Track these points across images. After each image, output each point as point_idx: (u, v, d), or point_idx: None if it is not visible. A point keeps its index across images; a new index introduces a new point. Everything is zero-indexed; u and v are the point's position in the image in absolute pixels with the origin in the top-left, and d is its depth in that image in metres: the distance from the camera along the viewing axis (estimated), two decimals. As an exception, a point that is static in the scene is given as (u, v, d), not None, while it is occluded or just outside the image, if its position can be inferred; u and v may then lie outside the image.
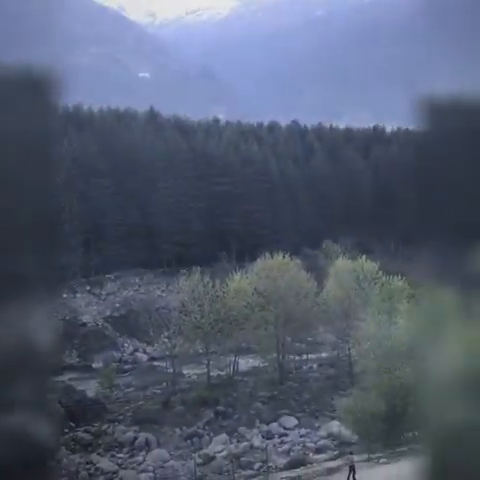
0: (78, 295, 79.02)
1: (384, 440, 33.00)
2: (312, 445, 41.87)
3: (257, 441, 43.26)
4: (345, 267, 57.54)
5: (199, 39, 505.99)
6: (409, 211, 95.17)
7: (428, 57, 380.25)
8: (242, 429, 45.30)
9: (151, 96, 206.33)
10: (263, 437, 44.10)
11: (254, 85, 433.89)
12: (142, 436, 44.29)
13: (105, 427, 46.14)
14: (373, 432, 33.48)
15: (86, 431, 44.96)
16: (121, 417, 48.16)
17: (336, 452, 37.53)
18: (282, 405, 49.08)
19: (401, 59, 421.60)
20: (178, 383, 54.46)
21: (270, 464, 37.57)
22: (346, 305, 54.39)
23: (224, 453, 41.31)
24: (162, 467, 39.92)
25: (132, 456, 42.30)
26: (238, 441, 43.65)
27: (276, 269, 56.79)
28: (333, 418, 44.16)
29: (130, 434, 44.86)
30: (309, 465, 34.21)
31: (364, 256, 58.89)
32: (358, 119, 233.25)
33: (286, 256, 58.93)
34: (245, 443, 43.07)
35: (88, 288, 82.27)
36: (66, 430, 43.12)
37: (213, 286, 55.21)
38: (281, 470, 35.50)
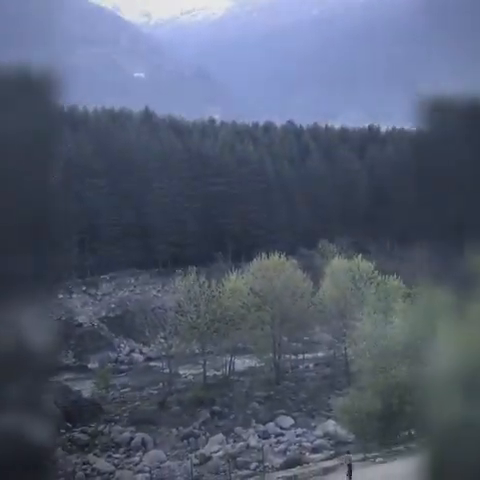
0: (74, 295, 78.88)
1: (380, 439, 33.04)
2: (308, 445, 41.93)
3: (253, 441, 43.28)
4: (341, 267, 57.58)
5: (194, 39, 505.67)
6: (405, 211, 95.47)
7: (426, 56, 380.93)
8: (238, 429, 45.31)
9: (146, 96, 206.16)
10: (259, 437, 44.12)
11: (249, 85, 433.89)
12: (138, 436, 44.27)
13: (101, 427, 46.10)
14: (369, 431, 33.52)
15: (82, 432, 44.92)
16: (117, 417, 48.13)
17: (332, 452, 37.58)
18: (278, 405, 49.11)
19: (399, 59, 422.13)
20: (174, 383, 54.44)
21: (266, 464, 37.60)
22: (342, 305, 54.46)
23: (220, 453, 41.32)
24: (159, 467, 39.91)
25: (129, 456, 42.27)
26: (234, 441, 43.66)
27: (272, 269, 56.81)
28: (329, 417, 44.22)
29: (126, 434, 44.83)
30: (305, 465, 34.23)
31: (360, 256, 58.92)
32: (353, 119, 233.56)
33: (282, 256, 58.94)
34: (241, 443, 43.09)
35: (84, 288, 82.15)
36: (62, 431, 43.05)
37: (209, 286, 55.18)
38: (277, 470, 35.54)
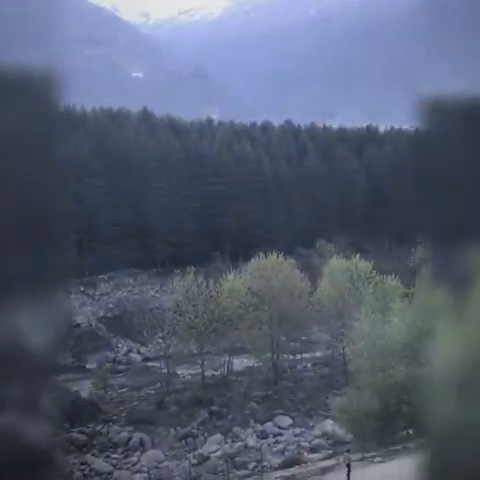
0: (72, 296, 78.78)
1: (378, 439, 33.05)
2: (306, 444, 41.93)
3: (252, 441, 43.28)
4: (339, 266, 57.60)
5: (192, 39, 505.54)
6: (403, 210, 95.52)
7: (424, 56, 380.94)
8: (236, 429, 45.31)
9: (144, 96, 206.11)
10: (258, 437, 44.13)
11: (247, 85, 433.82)
12: (136, 436, 44.24)
13: (99, 428, 46.07)
14: (367, 431, 33.53)
15: (80, 432, 44.86)
16: (115, 418, 48.09)
17: (330, 451, 37.59)
18: (276, 405, 49.12)
19: (397, 58, 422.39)
20: (172, 383, 54.42)
21: (265, 464, 37.59)
22: (340, 304, 54.48)
23: (219, 453, 41.30)
24: (157, 467, 39.90)
25: (127, 456, 42.25)
26: (233, 441, 43.66)
27: (270, 269, 56.80)
28: (327, 417, 44.23)
29: (124, 434, 44.81)
30: (304, 464, 34.23)
31: (358, 255, 58.97)
32: (351, 119, 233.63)
33: (280, 256, 58.94)
34: (240, 443, 43.08)
35: (82, 289, 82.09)
36: (61, 431, 43.01)
37: (207, 286, 55.17)
38: (276, 469, 35.54)
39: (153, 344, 64.18)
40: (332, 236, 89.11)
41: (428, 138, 2.69)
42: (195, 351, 55.62)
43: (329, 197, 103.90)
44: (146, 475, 38.74)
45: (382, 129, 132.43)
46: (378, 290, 48.82)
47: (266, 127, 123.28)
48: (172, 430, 45.44)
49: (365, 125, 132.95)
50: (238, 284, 57.35)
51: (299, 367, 60.26)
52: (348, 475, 27.31)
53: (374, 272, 55.21)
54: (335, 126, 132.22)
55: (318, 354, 62.11)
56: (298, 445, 41.98)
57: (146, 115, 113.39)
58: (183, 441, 44.13)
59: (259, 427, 45.60)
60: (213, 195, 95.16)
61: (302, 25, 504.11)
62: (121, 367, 67.40)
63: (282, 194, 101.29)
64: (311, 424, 45.52)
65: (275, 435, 44.42)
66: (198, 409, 47.95)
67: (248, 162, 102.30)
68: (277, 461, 38.41)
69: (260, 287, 55.86)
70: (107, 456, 42.33)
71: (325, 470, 30.53)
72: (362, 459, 30.25)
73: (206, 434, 44.84)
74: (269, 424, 45.94)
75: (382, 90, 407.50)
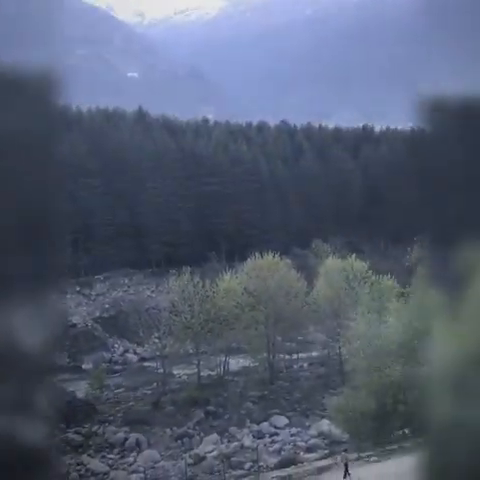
0: (68, 296, 78.66)
1: (374, 438, 33.09)
2: (303, 444, 41.94)
3: (248, 441, 43.27)
4: (335, 266, 57.65)
5: (188, 39, 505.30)
6: (399, 210, 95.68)
7: (421, 56, 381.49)
8: (233, 429, 45.30)
9: (140, 96, 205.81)
10: (254, 437, 44.12)
11: (243, 85, 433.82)
12: (133, 437, 44.20)
13: (95, 428, 46.00)
14: (363, 430, 33.56)
15: (76, 432, 44.78)
16: (111, 418, 48.02)
17: (327, 451, 37.61)
18: (273, 405, 49.12)
19: (393, 58, 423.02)
20: (168, 383, 54.38)
21: (261, 464, 37.61)
22: (336, 304, 54.52)
23: (215, 453, 41.30)
24: (153, 468, 39.87)
25: (123, 457, 42.20)
26: (229, 441, 43.65)
27: (266, 269, 56.82)
28: (323, 417, 44.24)
29: (121, 435, 44.75)
30: (300, 464, 34.24)
31: (354, 255, 59.02)
32: (347, 119, 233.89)
33: (276, 256, 58.97)
34: (236, 443, 43.07)
35: (77, 289, 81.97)
36: (57, 431, 42.93)
37: (203, 286, 55.15)
38: (272, 469, 35.53)
39: (149, 344, 64.12)
40: (328, 236, 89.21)
41: (428, 138, 2.69)
42: (191, 351, 55.59)
43: (325, 197, 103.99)
44: (142, 475, 38.70)
45: (378, 129, 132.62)
46: (374, 290, 48.90)
47: (262, 127, 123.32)
48: (168, 430, 45.41)
49: (361, 125, 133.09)
50: (234, 284, 57.37)
51: (295, 367, 60.30)
52: (346, 474, 27.34)
53: (370, 272, 55.28)
54: (331, 126, 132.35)
55: (314, 354, 62.16)
56: (294, 445, 41.99)
57: (141, 115, 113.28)
58: (179, 441, 44.10)
59: (255, 427, 45.60)
60: (209, 195, 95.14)
61: (298, 25, 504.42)
62: (117, 367, 67.35)
63: (278, 194, 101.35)
64: (307, 424, 45.53)
65: (271, 435, 44.42)
66: (194, 409, 47.93)
67: (244, 162, 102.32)
68: (273, 461, 38.41)
69: (256, 287, 55.87)
70: (103, 456, 42.27)
71: (321, 470, 30.55)
72: (358, 459, 30.28)
73: (202, 434, 44.83)
74: (265, 424, 45.95)
75: (378, 90, 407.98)
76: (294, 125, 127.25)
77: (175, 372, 57.68)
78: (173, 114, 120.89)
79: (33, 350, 2.52)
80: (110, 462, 41.43)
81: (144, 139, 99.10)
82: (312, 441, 42.25)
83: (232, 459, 39.82)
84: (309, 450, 40.43)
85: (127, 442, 43.77)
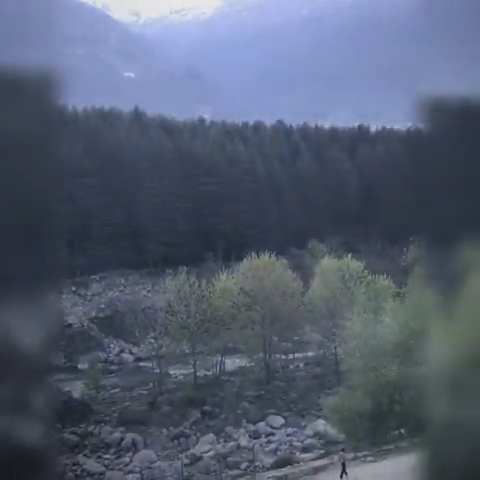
0: (63, 296, 78.52)
1: (370, 438, 33.11)
2: (299, 444, 41.98)
3: (244, 441, 43.29)
4: (331, 266, 57.71)
5: (184, 39, 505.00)
6: (395, 211, 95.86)
7: (417, 56, 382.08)
8: (229, 429, 45.31)
9: (136, 96, 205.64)
10: (250, 437, 44.14)
11: (239, 85, 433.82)
12: (129, 437, 44.16)
13: (91, 428, 45.95)
14: (359, 430, 33.59)
15: (72, 432, 44.72)
16: (107, 418, 47.97)
17: (323, 451, 37.65)
18: (269, 404, 49.15)
19: (389, 58, 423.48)
20: (164, 383, 54.34)
21: (257, 463, 37.62)
22: (332, 304, 54.57)
23: (211, 453, 41.30)
24: (149, 468, 39.84)
25: (119, 457, 42.15)
26: (225, 441, 43.66)
27: (262, 269, 56.84)
28: (319, 417, 44.28)
29: (117, 435, 44.71)
30: (296, 464, 34.26)
31: (350, 255, 59.10)
32: (343, 119, 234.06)
33: (272, 256, 59.00)
34: (232, 443, 43.08)
35: (73, 289, 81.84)
36: (53, 431, 42.84)
37: (199, 286, 55.13)
38: (268, 469, 35.56)
39: (145, 344, 64.07)
40: (324, 236, 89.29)
41: (427, 138, 2.69)
42: (187, 351, 55.57)
43: (321, 197, 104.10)
44: (138, 475, 38.68)
45: (374, 129, 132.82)
46: (370, 290, 48.93)
47: (258, 127, 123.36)
48: (164, 430, 45.38)
49: (357, 125, 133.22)
50: (230, 284, 57.37)
51: (291, 367, 60.33)
52: (343, 473, 27.36)
53: (366, 272, 55.36)
54: (327, 126, 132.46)
55: (310, 354, 62.20)
56: (290, 445, 42.02)
57: (138, 115, 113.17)
58: (175, 441, 44.09)
59: (251, 427, 45.62)
60: (206, 195, 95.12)
61: (294, 25, 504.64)
62: (113, 367, 67.25)
63: (274, 194, 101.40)
64: (303, 424, 45.57)
65: (267, 435, 44.45)
66: (190, 409, 47.91)
67: (241, 162, 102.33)
68: (269, 461, 38.44)
69: (252, 287, 55.88)
70: (99, 457, 42.22)
71: (317, 470, 30.58)
72: (354, 458, 30.31)
73: (198, 434, 44.82)
74: (261, 424, 45.97)
75: (374, 90, 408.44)
76: (290, 125, 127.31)
77: (171, 372, 57.64)
78: (170, 114, 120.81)
79: (29, 350, 2.51)
80: (106, 462, 41.39)
81: (141, 139, 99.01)
82: (308, 441, 42.29)
83: (228, 459, 39.84)
84: (305, 450, 40.47)
85: (123, 442, 43.74)
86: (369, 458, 30.33)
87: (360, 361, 35.83)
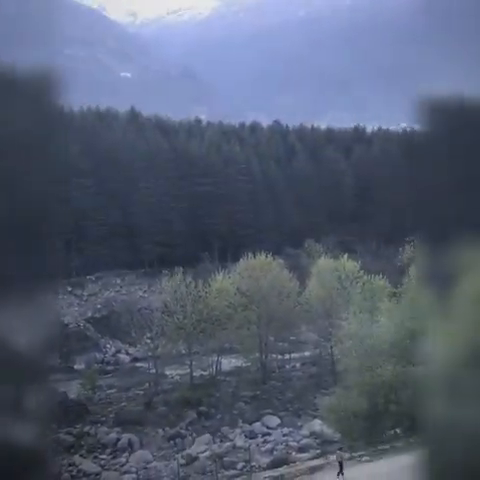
0: (59, 296, 78.40)
1: (366, 438, 33.14)
2: (295, 444, 42.01)
3: (240, 441, 43.30)
4: (327, 266, 57.77)
5: (180, 39, 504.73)
6: (391, 211, 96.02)
7: (413, 57, 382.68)
8: (225, 429, 45.32)
9: (133, 96, 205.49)
10: (246, 437, 44.15)
11: (236, 85, 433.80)
12: (125, 437, 44.13)
13: (87, 428, 45.89)
14: (355, 430, 33.62)
15: (68, 433, 44.65)
16: (103, 418, 47.92)
17: (319, 451, 37.67)
18: (265, 404, 49.16)
19: (385, 59, 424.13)
20: (161, 384, 54.31)
21: (253, 464, 37.64)
22: (328, 304, 54.63)
23: (207, 453, 41.30)
24: (145, 468, 39.83)
25: (115, 457, 42.12)
26: (221, 441, 43.67)
27: (258, 269, 56.87)
28: (315, 417, 44.31)
29: (113, 435, 44.67)
30: (292, 464, 34.27)
31: (346, 255, 59.17)
32: (339, 119, 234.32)
33: (268, 256, 59.04)
34: (228, 443, 43.09)
35: (69, 289, 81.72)
36: (49, 432, 42.75)
37: (195, 286, 55.12)
38: (264, 469, 35.54)
39: (141, 344, 64.00)
40: (320, 236, 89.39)
41: (425, 139, 2.71)
42: (183, 351, 55.54)
43: (317, 197, 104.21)
44: (134, 476, 38.67)
45: (370, 130, 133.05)
46: (366, 290, 49.04)
47: (254, 127, 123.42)
48: (160, 430, 45.36)
49: (353, 126, 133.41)
50: (227, 284, 57.39)
51: (287, 367, 60.37)
52: (341, 473, 27.35)
53: (362, 272, 55.45)
54: (323, 127, 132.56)
55: (306, 354, 62.26)
56: (286, 445, 42.05)
57: (134, 115, 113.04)
58: (171, 441, 44.07)
59: (247, 427, 45.63)
60: (201, 195, 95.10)
61: (291, 26, 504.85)
62: (109, 368, 67.20)
63: (271, 194, 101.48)
64: (299, 424, 45.60)
65: (263, 435, 44.46)
66: (186, 409, 47.89)
67: (237, 162, 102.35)
68: (265, 461, 38.45)
69: (249, 287, 55.91)
70: (95, 457, 42.18)
71: (313, 469, 30.59)
72: (350, 458, 30.33)
73: (194, 434, 44.82)
74: (257, 424, 45.99)
75: (370, 91, 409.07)
76: (287, 125, 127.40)
77: (167, 372, 57.61)
78: (166, 114, 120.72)
79: (26, 350, 2.52)
80: (102, 463, 41.35)
81: (137, 139, 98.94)
82: (304, 441, 42.33)
83: (224, 459, 39.84)
84: (301, 450, 40.49)
85: (119, 443, 43.69)
86: (365, 458, 30.34)
87: (356, 361, 35.87)
